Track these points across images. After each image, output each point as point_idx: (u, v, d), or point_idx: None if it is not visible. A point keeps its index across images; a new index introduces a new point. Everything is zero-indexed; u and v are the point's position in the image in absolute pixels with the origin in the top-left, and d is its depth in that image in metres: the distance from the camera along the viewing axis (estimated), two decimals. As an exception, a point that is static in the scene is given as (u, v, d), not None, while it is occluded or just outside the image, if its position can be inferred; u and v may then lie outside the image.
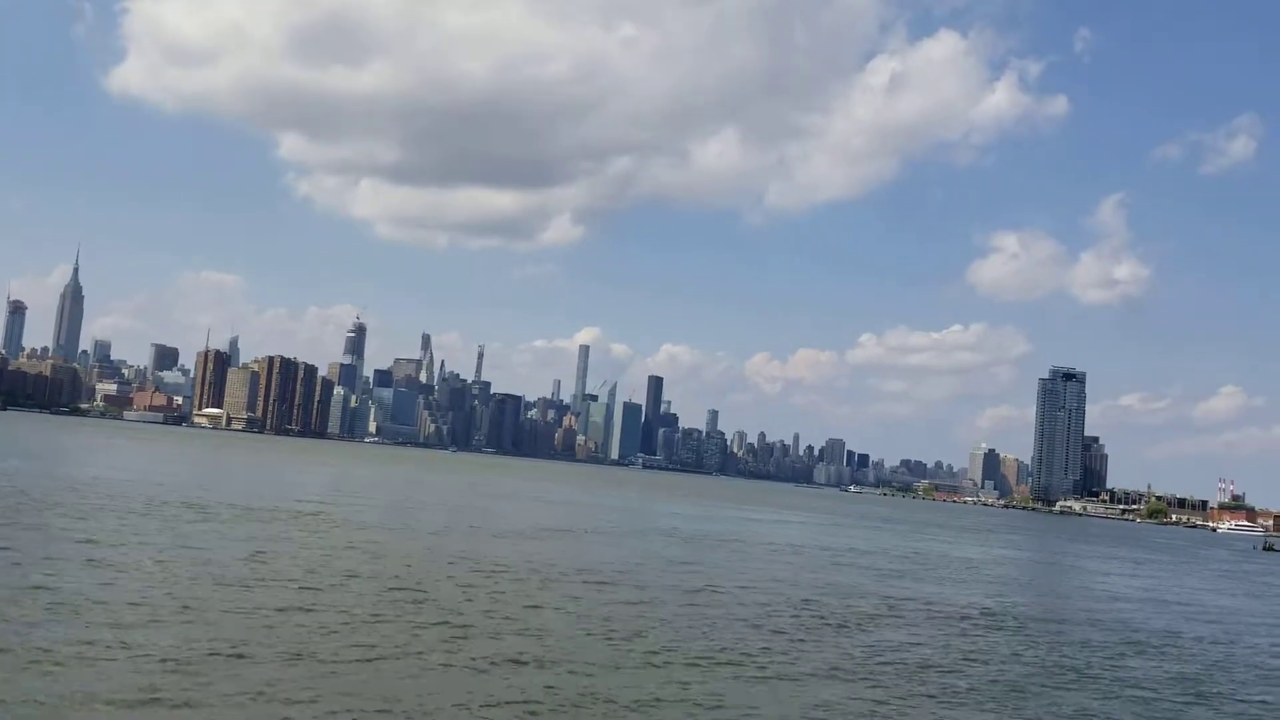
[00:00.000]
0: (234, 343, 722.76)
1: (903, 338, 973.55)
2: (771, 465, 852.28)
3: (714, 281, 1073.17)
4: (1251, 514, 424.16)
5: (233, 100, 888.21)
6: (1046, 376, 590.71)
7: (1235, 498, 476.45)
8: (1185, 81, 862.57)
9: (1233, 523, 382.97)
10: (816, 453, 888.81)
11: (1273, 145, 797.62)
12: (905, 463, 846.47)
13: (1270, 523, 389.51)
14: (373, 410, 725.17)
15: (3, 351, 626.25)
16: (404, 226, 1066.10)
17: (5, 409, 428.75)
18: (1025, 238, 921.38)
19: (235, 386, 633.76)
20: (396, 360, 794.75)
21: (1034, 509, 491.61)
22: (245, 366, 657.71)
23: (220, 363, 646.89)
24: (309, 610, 27.90)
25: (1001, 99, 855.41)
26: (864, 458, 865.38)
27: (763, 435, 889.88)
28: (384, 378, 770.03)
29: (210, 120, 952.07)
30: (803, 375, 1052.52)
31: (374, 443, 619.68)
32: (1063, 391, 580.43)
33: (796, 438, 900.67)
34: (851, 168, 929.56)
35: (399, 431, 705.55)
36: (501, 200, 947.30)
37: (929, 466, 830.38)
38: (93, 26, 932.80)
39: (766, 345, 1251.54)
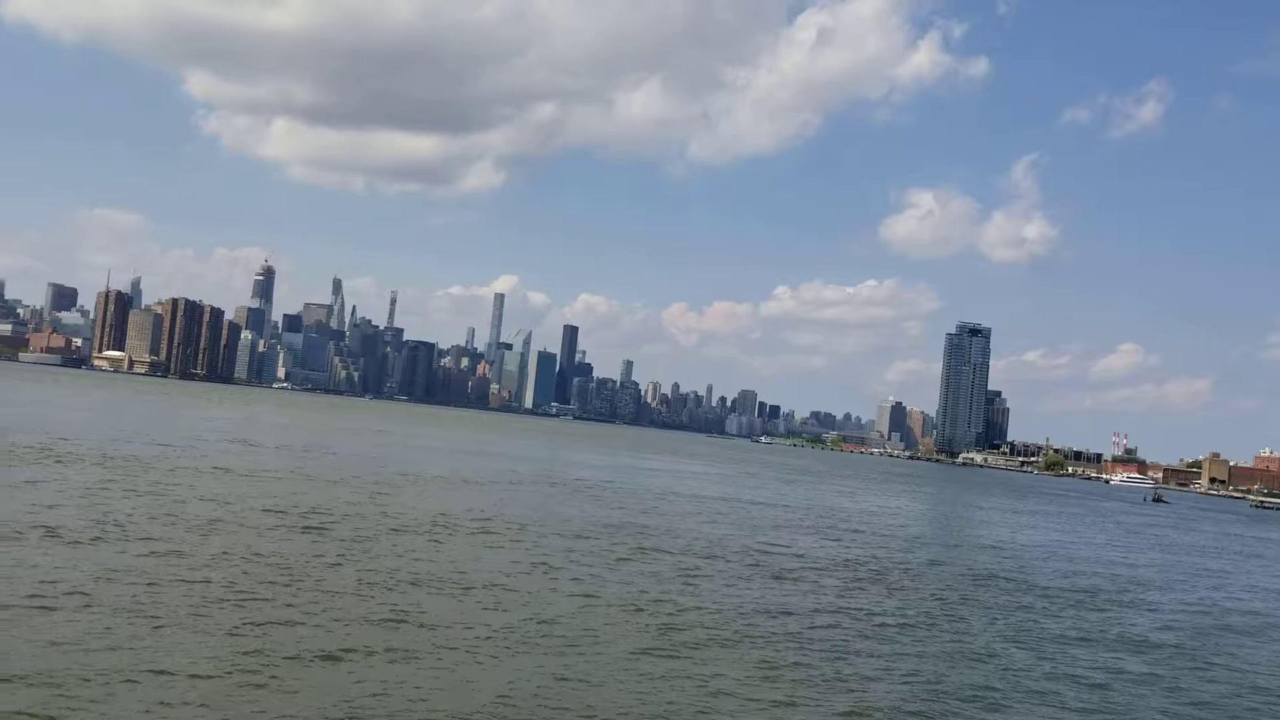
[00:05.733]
0: (136, 284, 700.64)
1: (817, 291, 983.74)
2: (685, 416, 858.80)
3: (634, 232, 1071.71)
4: (1143, 466, 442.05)
5: (136, 32, 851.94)
6: (954, 332, 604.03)
7: (1128, 451, 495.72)
8: (1099, 45, 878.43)
9: (1125, 475, 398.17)
10: (729, 403, 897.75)
11: (1179, 111, 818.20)
12: (815, 414, 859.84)
13: (1159, 475, 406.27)
14: (282, 355, 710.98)
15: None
16: (319, 169, 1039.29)
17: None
18: (940, 195, 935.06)
19: (138, 329, 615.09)
20: (307, 305, 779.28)
21: (938, 460, 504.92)
22: (148, 308, 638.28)
23: (121, 304, 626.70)
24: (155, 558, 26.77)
25: (923, 58, 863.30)
26: (775, 409, 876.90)
27: (676, 386, 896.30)
28: (294, 322, 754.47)
29: (111, 53, 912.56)
30: (718, 326, 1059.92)
31: (283, 388, 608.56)
32: (968, 347, 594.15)
33: (710, 388, 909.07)
34: (774, 122, 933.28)
35: (309, 377, 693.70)
36: (421, 144, 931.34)
37: (838, 418, 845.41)
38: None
39: (684, 296, 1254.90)
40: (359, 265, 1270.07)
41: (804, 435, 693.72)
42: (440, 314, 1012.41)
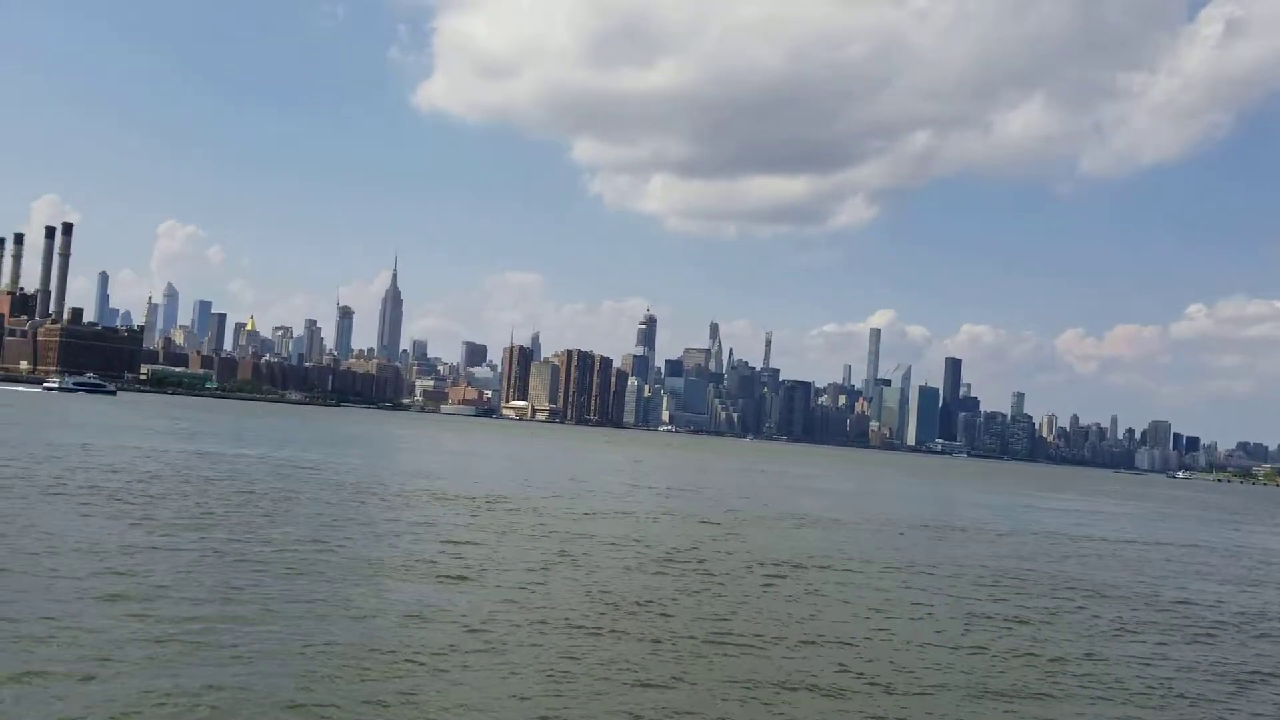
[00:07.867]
0: (536, 338, 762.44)
1: (1239, 308, 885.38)
2: (1086, 450, 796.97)
3: (1020, 256, 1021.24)
4: None
5: (531, 109, 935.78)
6: None
7: None
8: None
9: None
10: (1138, 436, 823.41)
11: None
12: (1243, 445, 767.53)
13: None
14: (665, 399, 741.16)
15: (335, 353, 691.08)
16: (693, 218, 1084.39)
17: (339, 405, 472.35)
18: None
19: (538, 379, 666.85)
20: (686, 350, 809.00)
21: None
22: (546, 360, 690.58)
23: (524, 357, 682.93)
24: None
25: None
26: (1193, 440, 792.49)
27: (1075, 418, 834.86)
28: (675, 367, 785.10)
29: (510, 129, 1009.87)
30: (1121, 352, 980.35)
31: (667, 431, 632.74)
32: None
33: (1114, 420, 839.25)
34: (1178, 126, 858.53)
35: (691, 420, 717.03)
36: (792, 186, 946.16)
37: (1271, 449, 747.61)
38: (406, 45, 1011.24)
39: (1079, 322, 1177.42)
40: (734, 309, 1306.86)
41: (1230, 469, 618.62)
42: (815, 353, 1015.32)
